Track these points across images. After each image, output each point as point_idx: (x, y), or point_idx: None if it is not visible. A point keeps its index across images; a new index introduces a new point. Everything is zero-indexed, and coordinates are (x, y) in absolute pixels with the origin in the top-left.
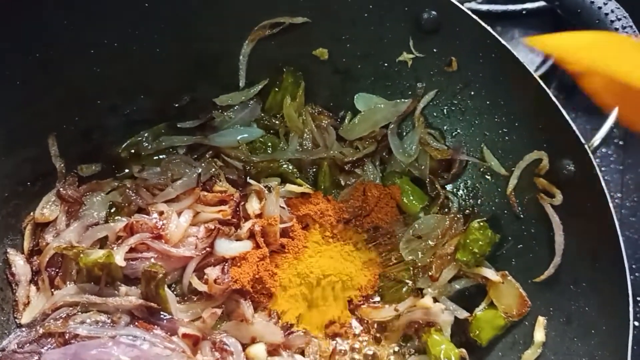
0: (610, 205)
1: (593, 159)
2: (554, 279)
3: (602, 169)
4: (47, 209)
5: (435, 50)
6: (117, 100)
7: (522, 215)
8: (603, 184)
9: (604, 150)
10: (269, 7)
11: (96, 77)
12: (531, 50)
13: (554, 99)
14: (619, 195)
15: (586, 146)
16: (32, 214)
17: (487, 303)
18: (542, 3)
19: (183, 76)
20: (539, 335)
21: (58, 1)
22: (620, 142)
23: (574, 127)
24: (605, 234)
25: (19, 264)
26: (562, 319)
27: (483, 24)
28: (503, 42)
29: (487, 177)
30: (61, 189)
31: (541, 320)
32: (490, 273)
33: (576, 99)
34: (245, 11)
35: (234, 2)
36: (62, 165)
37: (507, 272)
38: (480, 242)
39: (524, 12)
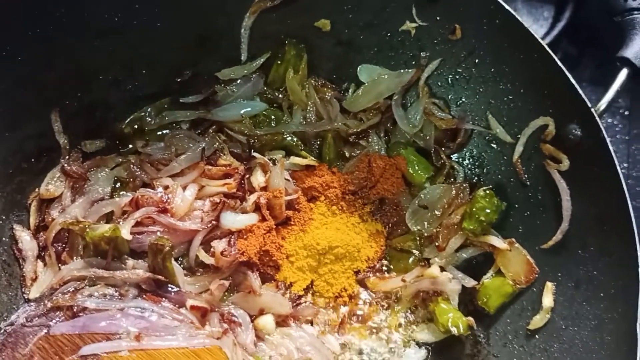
0: (618, 167)
1: (600, 123)
2: (562, 244)
3: (608, 139)
4: (52, 184)
5: (438, 18)
6: (119, 75)
7: (528, 183)
8: (610, 147)
9: (609, 120)
10: None
11: (98, 52)
12: (535, 21)
13: (559, 63)
14: (625, 165)
15: (592, 110)
16: (37, 190)
17: (494, 271)
18: None
19: (185, 50)
20: (547, 300)
21: None
22: (626, 113)
23: (580, 91)
24: (613, 198)
25: (25, 239)
26: (571, 284)
27: None
28: (507, 7)
29: (492, 145)
30: (65, 165)
31: (549, 286)
32: (497, 241)
33: (580, 70)
34: None
35: None
36: (66, 141)
37: (514, 240)
38: (486, 210)
39: None
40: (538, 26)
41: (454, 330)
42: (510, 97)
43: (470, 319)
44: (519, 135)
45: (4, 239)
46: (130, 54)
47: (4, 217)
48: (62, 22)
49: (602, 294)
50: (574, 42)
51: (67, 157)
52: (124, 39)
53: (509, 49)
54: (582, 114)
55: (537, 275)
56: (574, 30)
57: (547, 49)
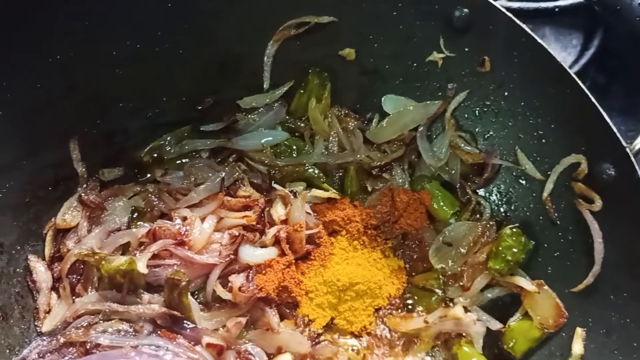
0: None
1: (635, 163)
2: (593, 288)
3: None
4: (69, 214)
5: (466, 49)
6: (139, 103)
7: (558, 222)
8: None
9: None
10: (295, 6)
11: (118, 79)
12: (563, 48)
13: (592, 99)
14: None
15: (627, 149)
16: (53, 219)
17: (521, 313)
18: (576, 0)
19: (206, 78)
20: (578, 347)
21: (78, 2)
22: None
23: (614, 129)
24: None
25: (40, 270)
26: (602, 331)
27: (517, 21)
28: (539, 40)
29: (521, 181)
30: (83, 194)
31: (579, 332)
32: (525, 282)
33: (610, 99)
34: (269, 10)
35: (258, 2)
36: (84, 169)
37: (542, 281)
38: (513, 249)
39: (556, 9)
40: (566, 54)
41: None
42: (541, 132)
43: None
44: (549, 172)
45: (18, 269)
46: (150, 82)
47: (18, 247)
48: (82, 49)
49: (635, 344)
50: (602, 69)
51: (84, 185)
52: (144, 66)
53: (539, 83)
54: (616, 153)
55: (566, 320)
56: (603, 57)
57: (580, 84)
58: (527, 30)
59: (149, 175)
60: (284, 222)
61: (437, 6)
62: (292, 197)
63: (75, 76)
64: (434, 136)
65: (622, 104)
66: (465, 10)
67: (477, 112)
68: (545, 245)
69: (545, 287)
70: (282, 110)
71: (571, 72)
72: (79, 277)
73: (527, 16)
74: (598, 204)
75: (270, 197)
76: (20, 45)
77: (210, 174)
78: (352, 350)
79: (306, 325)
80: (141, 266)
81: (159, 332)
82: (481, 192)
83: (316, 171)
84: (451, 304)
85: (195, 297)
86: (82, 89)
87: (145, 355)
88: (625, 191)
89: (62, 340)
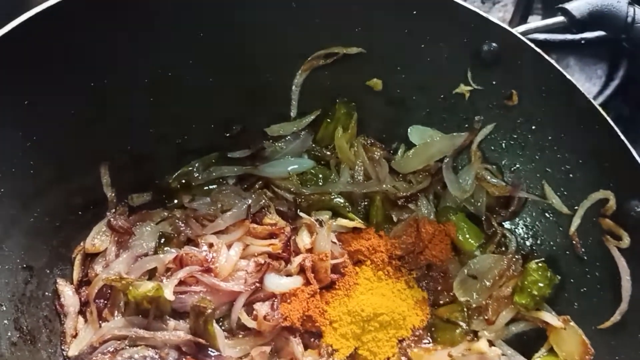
0: None
1: None
2: (620, 326)
3: None
4: (98, 239)
5: (494, 82)
6: (168, 130)
7: (585, 257)
8: None
9: None
10: (324, 38)
11: (149, 106)
12: (588, 79)
13: (621, 135)
14: None
15: None
16: (82, 244)
17: (547, 349)
18: (601, 33)
19: (235, 106)
20: None
21: (116, 31)
22: None
23: None
24: None
25: (68, 294)
26: None
27: (546, 56)
28: (567, 76)
29: (547, 215)
30: (112, 219)
31: None
32: (551, 318)
33: (634, 131)
34: (299, 41)
35: (288, 32)
36: (113, 194)
37: (569, 317)
38: (539, 284)
39: (582, 42)
40: (591, 84)
41: None
42: (568, 166)
43: None
44: (576, 207)
45: (47, 293)
46: (180, 109)
47: (47, 271)
48: (116, 76)
49: None
50: (627, 100)
51: (113, 210)
52: (175, 94)
53: (567, 117)
54: None
55: (592, 357)
56: (627, 88)
57: (610, 120)
58: (555, 65)
59: (176, 201)
60: (310, 250)
61: (465, 40)
62: (317, 225)
63: (108, 102)
64: (460, 168)
65: None
66: (494, 44)
67: (503, 144)
68: (572, 280)
69: (572, 323)
70: (308, 139)
71: (597, 105)
72: (106, 302)
73: (552, 47)
74: (626, 241)
75: (295, 225)
76: (57, 71)
77: (236, 201)
78: None
79: (330, 355)
80: (168, 293)
81: (184, 359)
82: (507, 225)
83: (342, 200)
84: (475, 338)
85: (220, 324)
86: (114, 115)
87: None
88: None
89: None
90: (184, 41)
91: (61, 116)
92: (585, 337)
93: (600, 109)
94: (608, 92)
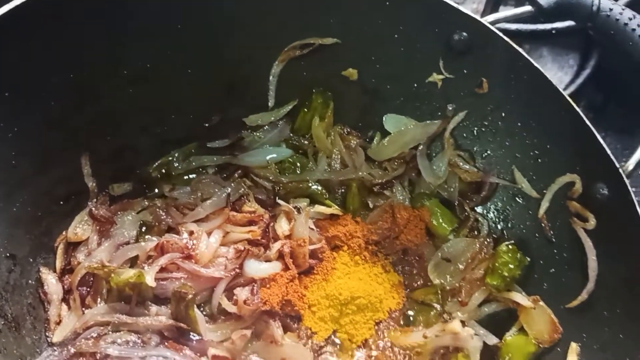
0: None
1: (628, 184)
2: (587, 305)
3: (634, 188)
4: (80, 228)
5: (465, 71)
6: (148, 120)
7: (554, 239)
8: (638, 209)
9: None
10: (299, 28)
11: (128, 97)
12: (560, 68)
13: (587, 121)
14: None
15: (620, 170)
16: (64, 233)
17: (517, 328)
18: (572, 23)
19: (213, 96)
20: None
21: (94, 23)
22: None
23: (608, 151)
24: None
25: (51, 282)
26: (596, 346)
27: (515, 45)
28: (535, 64)
29: (518, 199)
30: (93, 209)
31: (574, 347)
32: (521, 298)
33: (606, 118)
34: (275, 32)
35: (264, 24)
36: (94, 184)
37: (538, 297)
38: (509, 266)
39: (553, 31)
40: (563, 74)
41: None
42: (537, 151)
43: None
44: (544, 191)
45: (30, 281)
46: (160, 100)
47: (31, 260)
48: (96, 68)
49: (628, 359)
50: (599, 89)
51: (94, 200)
52: (154, 85)
53: (536, 104)
54: (610, 174)
55: (561, 335)
56: (599, 77)
57: (574, 105)
58: (523, 53)
59: (157, 190)
60: (288, 237)
61: (437, 30)
62: (295, 212)
63: (88, 94)
64: (434, 155)
65: (619, 124)
66: (464, 33)
67: (475, 131)
68: (541, 262)
69: (541, 303)
70: (286, 128)
71: (565, 94)
72: (88, 289)
73: (525, 37)
74: (592, 222)
75: (274, 212)
76: (37, 63)
77: (216, 190)
78: None
79: (309, 338)
80: (149, 279)
81: (166, 343)
82: (479, 209)
83: (319, 188)
84: (449, 319)
85: (201, 309)
86: (95, 106)
87: None
88: (618, 211)
89: (72, 350)
90: (161, 33)
91: (41, 107)
92: (554, 316)
93: (566, 95)
94: (580, 81)
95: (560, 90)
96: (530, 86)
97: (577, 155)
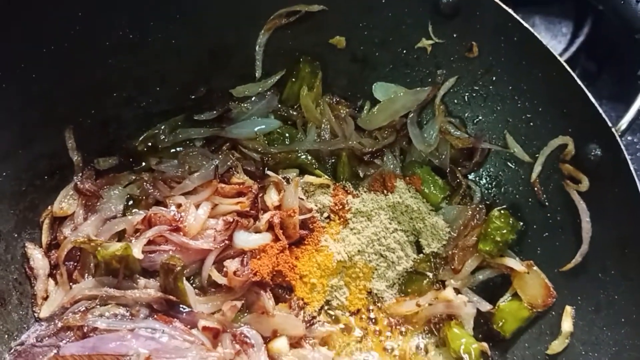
0: None
1: (621, 143)
2: (582, 267)
3: (629, 157)
4: (65, 202)
5: (455, 35)
6: (132, 92)
7: (547, 203)
8: (632, 167)
9: (629, 138)
10: None
11: (111, 69)
12: (553, 37)
13: (579, 82)
14: None
15: (613, 130)
16: (49, 207)
17: (511, 294)
18: None
19: (199, 67)
20: (567, 325)
21: None
22: None
23: (601, 111)
24: (635, 220)
25: (37, 257)
26: (591, 308)
27: (504, 6)
28: (525, 24)
29: (510, 164)
30: (78, 183)
31: (569, 310)
32: (514, 263)
33: (599, 86)
34: (260, 0)
35: None
36: (79, 158)
37: (532, 262)
38: (502, 231)
39: None
40: (556, 42)
41: (466, 358)
42: (529, 115)
43: (484, 344)
44: (537, 155)
45: (16, 256)
46: (143, 71)
47: (15, 235)
48: (76, 39)
49: (623, 319)
50: (592, 58)
51: (80, 174)
52: (137, 56)
53: (527, 67)
54: (602, 134)
55: (554, 300)
56: (592, 46)
57: (567, 67)
58: (513, 14)
59: (143, 163)
60: (278, 208)
61: None
62: (285, 183)
63: (70, 66)
64: (424, 122)
65: (612, 91)
66: None
67: (466, 97)
68: (535, 226)
69: (535, 268)
70: (274, 99)
71: (556, 54)
72: (75, 264)
73: (517, 4)
74: (585, 184)
75: (263, 183)
76: (15, 35)
77: (204, 162)
78: (346, 332)
79: (301, 309)
80: (136, 252)
81: (155, 316)
82: (471, 176)
83: (309, 158)
84: (442, 287)
85: (192, 282)
86: (77, 78)
87: (142, 338)
88: (612, 171)
89: (59, 324)
90: (144, 3)
91: (22, 80)
92: (547, 280)
93: (556, 54)
94: (573, 48)
95: (550, 49)
96: (520, 48)
97: (569, 117)
